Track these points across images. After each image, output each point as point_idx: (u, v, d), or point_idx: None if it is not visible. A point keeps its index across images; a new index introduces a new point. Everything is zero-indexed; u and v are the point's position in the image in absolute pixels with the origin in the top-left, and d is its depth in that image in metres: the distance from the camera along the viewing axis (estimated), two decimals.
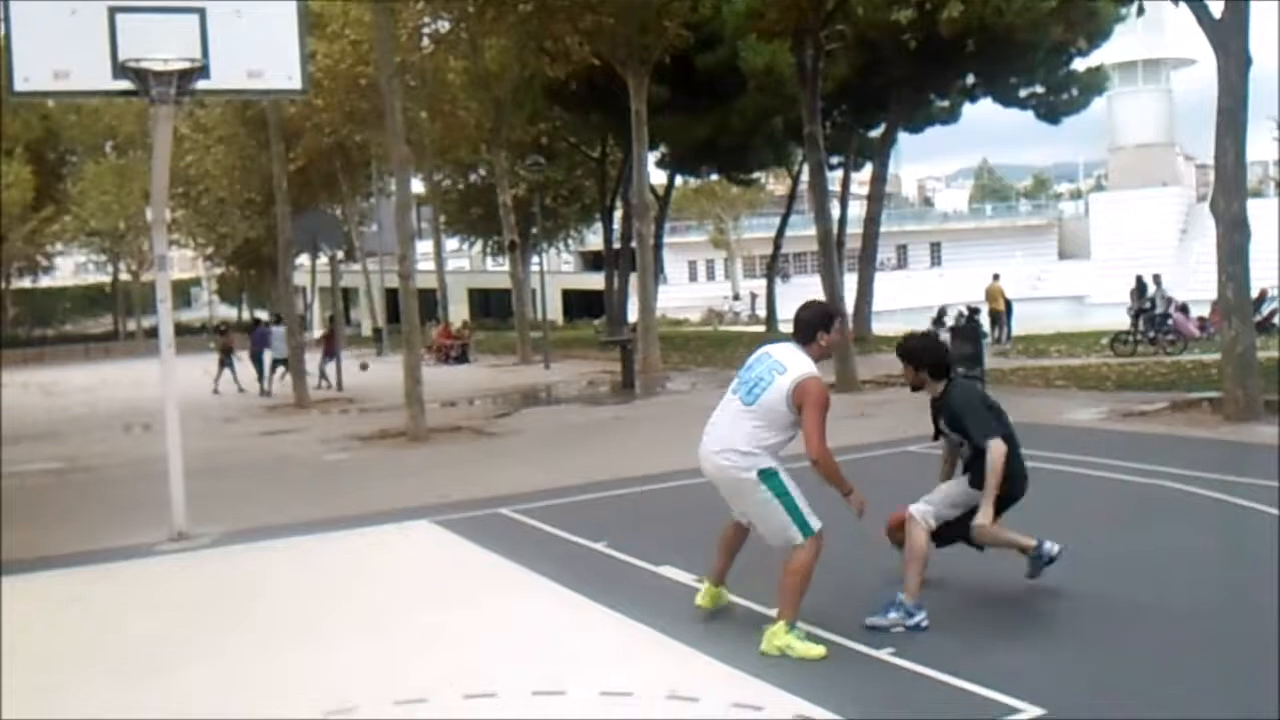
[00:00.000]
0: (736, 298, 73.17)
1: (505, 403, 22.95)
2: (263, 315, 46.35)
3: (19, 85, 8.78)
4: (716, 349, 33.57)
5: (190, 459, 10.77)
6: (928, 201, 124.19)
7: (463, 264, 72.04)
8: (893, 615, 6.47)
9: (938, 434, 7.14)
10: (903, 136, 40.62)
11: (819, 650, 6.10)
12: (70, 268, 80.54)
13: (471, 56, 32.95)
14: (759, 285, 61.20)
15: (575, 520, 9.79)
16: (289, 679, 6.31)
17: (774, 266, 50.09)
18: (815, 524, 6.36)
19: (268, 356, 27.67)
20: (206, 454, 15.63)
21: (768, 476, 6.36)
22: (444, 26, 34.29)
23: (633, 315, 34.77)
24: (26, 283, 73.54)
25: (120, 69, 8.57)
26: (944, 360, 7.03)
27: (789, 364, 6.42)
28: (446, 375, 30.57)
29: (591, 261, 74.85)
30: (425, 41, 34.03)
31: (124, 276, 68.52)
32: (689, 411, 18.86)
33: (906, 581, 6.57)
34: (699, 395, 21.88)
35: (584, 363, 32.77)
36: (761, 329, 46.08)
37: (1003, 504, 6.71)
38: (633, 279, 33.95)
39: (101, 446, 19.04)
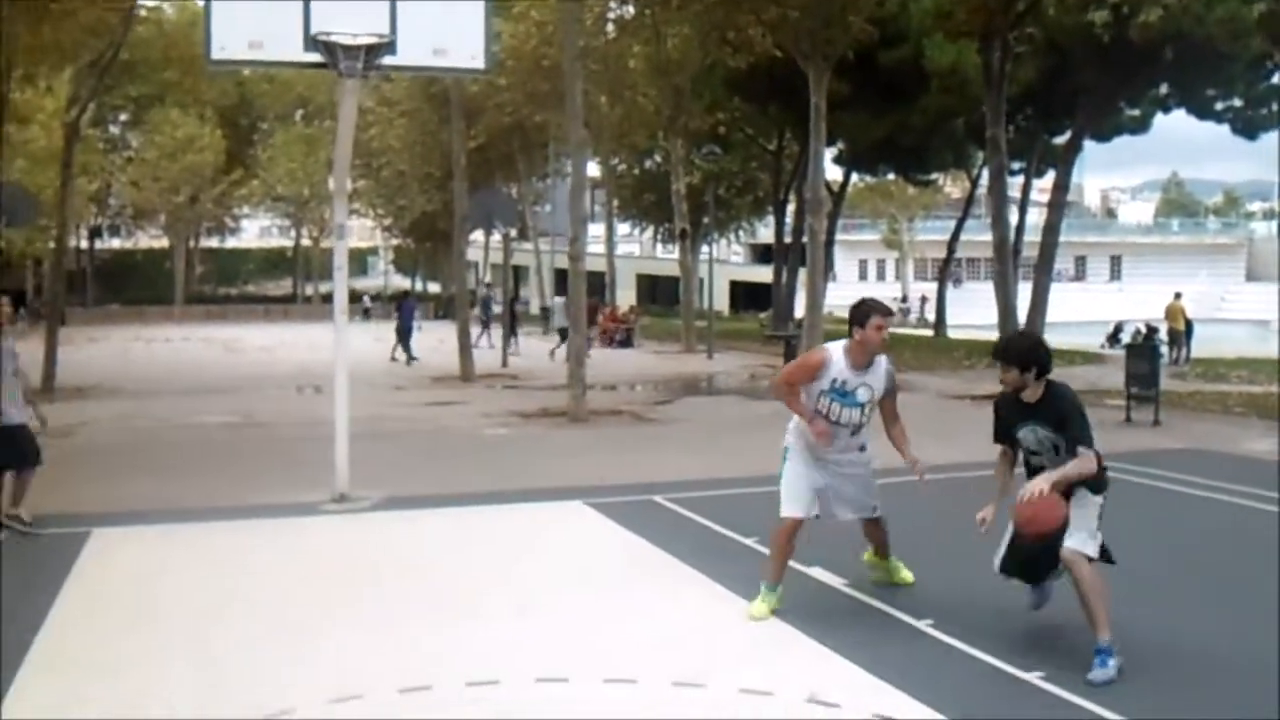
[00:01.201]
0: (905, 299, 72.12)
1: (666, 390, 23.01)
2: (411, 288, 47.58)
3: (215, 54, 9.10)
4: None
5: (356, 424, 11.04)
6: (1111, 213, 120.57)
7: (632, 249, 72.40)
8: (1112, 664, 5.86)
9: (1007, 438, 6.56)
10: (1089, 144, 39.41)
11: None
12: (255, 231, 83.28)
13: (654, 43, 33.07)
14: (929, 288, 60.22)
15: (728, 513, 9.76)
16: (435, 649, 6.42)
17: (946, 270, 49.21)
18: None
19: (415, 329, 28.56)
20: (372, 419, 16.00)
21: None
22: (629, 12, 34.53)
23: (799, 310, 34.52)
24: (214, 243, 76.43)
25: (311, 42, 8.81)
26: (1049, 361, 6.35)
27: None
28: (610, 358, 30.78)
29: (760, 254, 74.48)
30: (609, 26, 34.30)
31: (305, 242, 70.66)
32: None
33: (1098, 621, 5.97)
34: None
35: (747, 355, 32.68)
36: (930, 333, 45.33)
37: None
38: (801, 274, 33.69)
39: (274, 405, 19.69)
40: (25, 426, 9.45)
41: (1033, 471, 6.26)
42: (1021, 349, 6.38)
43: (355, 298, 58.32)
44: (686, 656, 6.21)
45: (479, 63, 9.57)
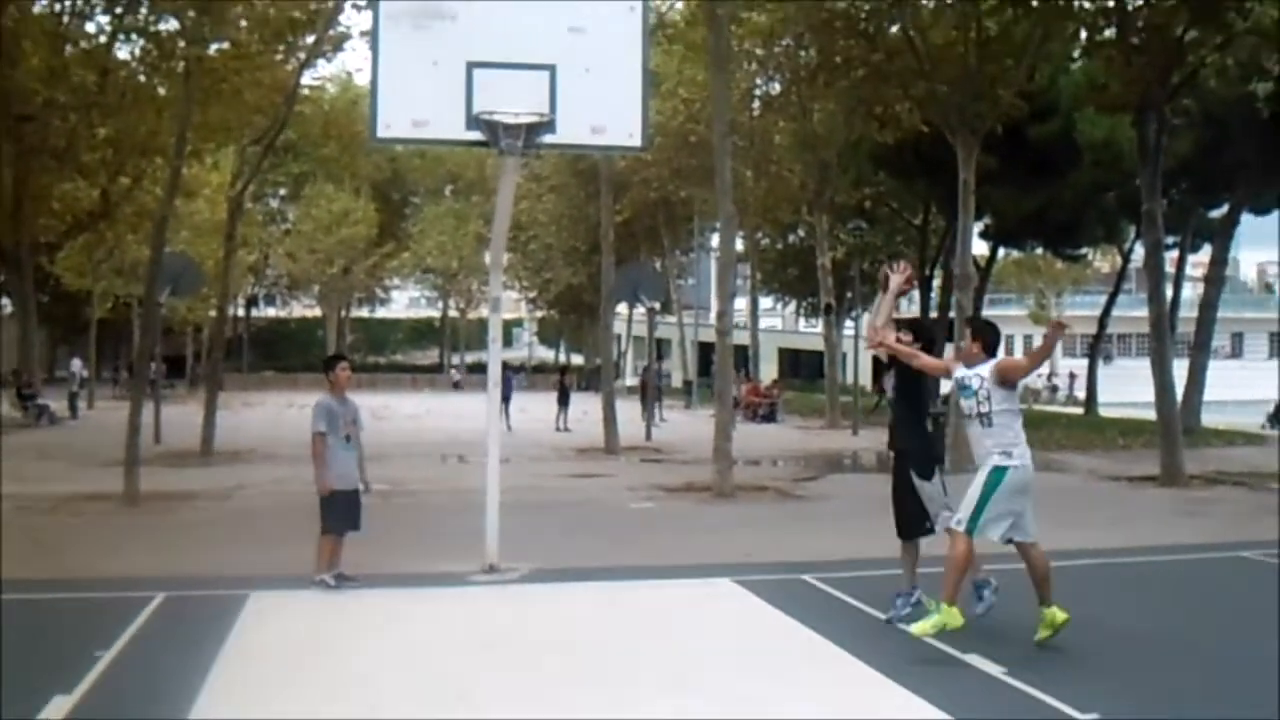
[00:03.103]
0: (1054, 376, 70.55)
1: (811, 466, 22.78)
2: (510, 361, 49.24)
3: (381, 132, 9.36)
4: (1031, 429, 32.15)
5: (503, 494, 11.12)
6: (1268, 288, 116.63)
7: (774, 323, 72.26)
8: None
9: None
10: (1245, 218, 38.34)
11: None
12: (404, 301, 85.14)
13: (800, 119, 33.17)
14: (1078, 365, 58.82)
15: (881, 595, 9.55)
16: None
17: (1097, 347, 48.11)
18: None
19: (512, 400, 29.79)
20: (517, 490, 16.09)
21: None
22: (775, 89, 34.73)
23: (945, 387, 34.02)
24: (364, 312, 78.36)
25: (473, 120, 9.00)
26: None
27: None
28: (753, 433, 30.60)
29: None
30: (755, 103, 34.53)
31: (452, 313, 71.99)
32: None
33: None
34: None
35: None
36: (1080, 411, 44.25)
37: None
38: (948, 350, 33.24)
39: (422, 473, 19.98)
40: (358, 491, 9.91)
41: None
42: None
43: (476, 368, 59.41)
44: None
45: (636, 140, 9.68)
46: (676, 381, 54.77)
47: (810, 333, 59.31)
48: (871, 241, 43.93)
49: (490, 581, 10.24)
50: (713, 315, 57.45)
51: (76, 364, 39.35)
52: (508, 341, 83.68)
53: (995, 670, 7.37)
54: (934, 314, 41.12)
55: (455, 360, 72.20)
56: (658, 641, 8.23)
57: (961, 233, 24.49)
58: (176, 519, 14.65)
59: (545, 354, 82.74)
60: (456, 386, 60.42)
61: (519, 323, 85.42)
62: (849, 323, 42.68)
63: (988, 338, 8.20)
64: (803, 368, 61.90)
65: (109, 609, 8.99)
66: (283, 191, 65.10)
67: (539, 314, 73.95)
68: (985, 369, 7.98)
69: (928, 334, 8.46)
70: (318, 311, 72.75)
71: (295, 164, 58.64)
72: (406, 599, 9.60)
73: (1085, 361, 50.28)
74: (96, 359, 48.55)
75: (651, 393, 31.46)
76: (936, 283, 42.33)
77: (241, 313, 70.95)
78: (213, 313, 40.73)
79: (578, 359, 73.06)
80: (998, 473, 7.77)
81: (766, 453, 25.19)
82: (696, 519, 14.93)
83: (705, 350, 47.32)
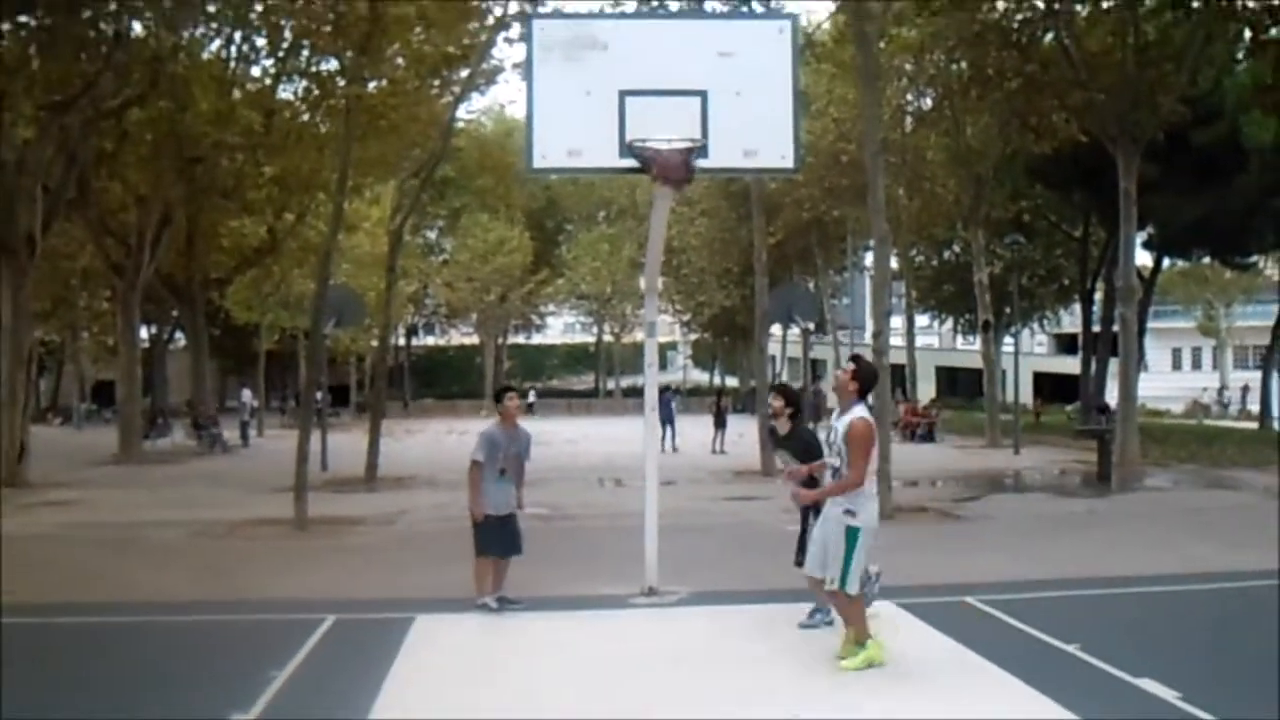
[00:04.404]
0: (1224, 389, 68.20)
1: (972, 486, 22.38)
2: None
3: (537, 162, 9.52)
4: (1202, 445, 31.33)
5: (660, 517, 11.17)
6: None
7: (931, 341, 71.27)
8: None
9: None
10: None
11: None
12: (559, 327, 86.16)
13: (953, 133, 32.72)
14: (1251, 377, 56.76)
15: (1046, 618, 9.36)
16: None
17: (1271, 358, 46.37)
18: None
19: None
20: (674, 513, 16.12)
21: None
22: (926, 104, 34.33)
23: (1112, 400, 33.14)
24: (521, 339, 79.53)
25: (627, 148, 9.10)
26: (800, 406, 10.08)
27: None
28: (912, 453, 30.20)
29: (1065, 344, 72.07)
30: (907, 119, 34.19)
31: (606, 337, 72.63)
32: (1171, 512, 17.76)
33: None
34: (1182, 494, 20.54)
35: (1054, 450, 31.53)
36: (1254, 425, 42.69)
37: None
38: (1112, 364, 32.38)
39: (580, 497, 20.17)
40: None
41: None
42: (791, 391, 10.28)
43: (631, 393, 59.64)
44: None
45: (789, 162, 9.67)
46: (833, 402, 54.35)
47: (968, 350, 58.37)
48: (1029, 255, 43.13)
49: (650, 604, 10.29)
50: (867, 334, 57.07)
51: (246, 394, 40.72)
52: (663, 365, 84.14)
53: (1169, 695, 7.16)
54: (1097, 328, 40.16)
55: (617, 384, 72.64)
56: (820, 663, 8.16)
57: (1123, 244, 23.91)
58: (344, 543, 15.05)
59: (699, 376, 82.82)
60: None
61: (673, 345, 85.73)
62: (1008, 339, 41.89)
63: (864, 379, 8.18)
64: (960, 386, 60.99)
65: (282, 630, 9.28)
66: (440, 223, 66.48)
67: (693, 337, 74.15)
68: (845, 421, 7.95)
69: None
70: (475, 339, 74.06)
71: (454, 197, 59.91)
72: (568, 621, 9.71)
73: (1259, 374, 48.50)
74: (265, 389, 50.17)
75: (808, 413, 31.26)
76: (1098, 295, 41.31)
77: (402, 342, 72.63)
78: (375, 343, 41.82)
79: (732, 381, 73.02)
80: (852, 534, 7.88)
81: (925, 473, 24.81)
82: None
83: None
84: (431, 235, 67.85)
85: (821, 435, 8.86)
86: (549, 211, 71.22)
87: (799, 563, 9.01)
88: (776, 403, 9.77)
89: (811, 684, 7.67)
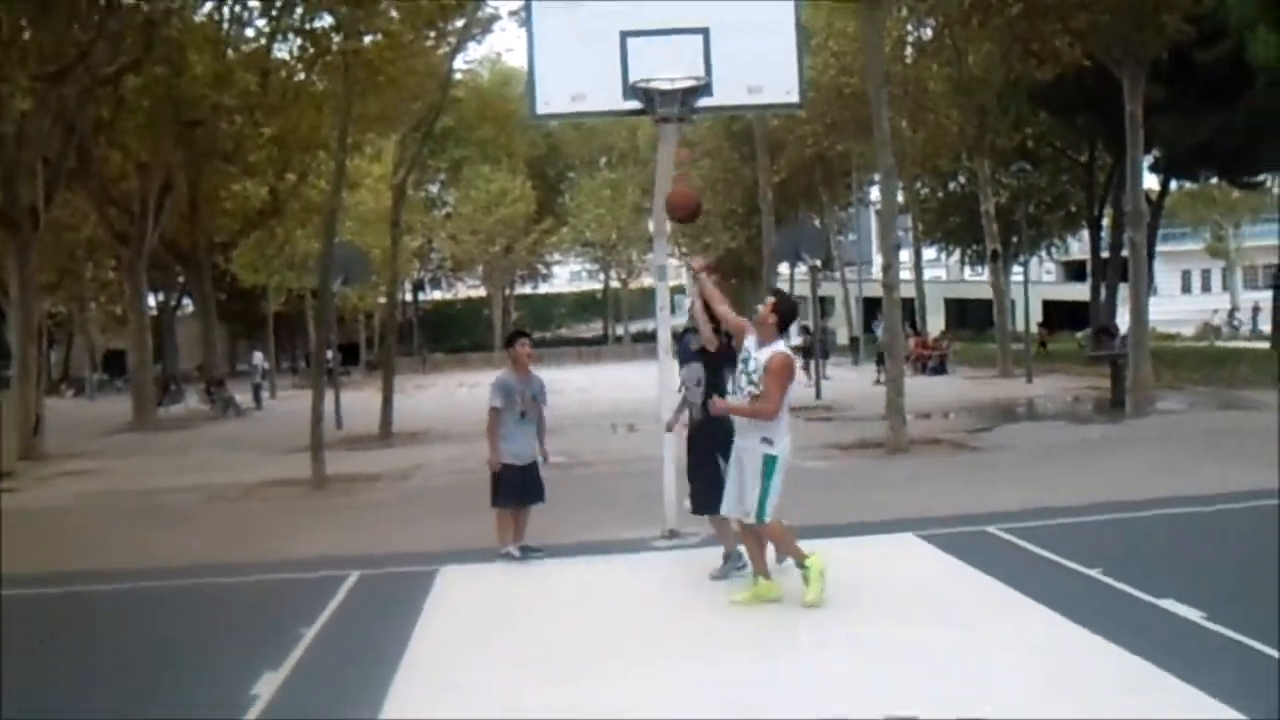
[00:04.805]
0: (1235, 310, 67.94)
1: (985, 417, 22.37)
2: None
3: (540, 109, 9.45)
4: (1214, 367, 31.24)
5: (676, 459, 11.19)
6: None
7: (939, 273, 71.02)
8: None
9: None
10: None
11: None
12: (566, 276, 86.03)
13: (955, 63, 32.45)
14: (1261, 297, 56.53)
15: (1067, 543, 9.38)
16: (773, 679, 6.46)
17: None
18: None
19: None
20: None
21: None
22: (927, 34, 34.03)
23: (1123, 327, 33.07)
24: (528, 289, 79.49)
25: (630, 90, 9.02)
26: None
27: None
28: (924, 386, 30.19)
29: (1074, 271, 71.77)
30: (908, 50, 33.90)
31: (613, 284, 72.53)
32: (1186, 434, 17.74)
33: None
34: (1196, 416, 20.51)
35: (1066, 377, 31.52)
36: (1265, 345, 42.55)
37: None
38: (1122, 290, 32.28)
39: (595, 444, 20.20)
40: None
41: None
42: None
43: (641, 338, 59.57)
44: (1039, 692, 5.98)
45: (794, 97, 9.58)
46: (842, 338, 54.30)
47: (976, 281, 58.14)
48: (1035, 183, 42.81)
49: (672, 546, 10.32)
50: (875, 270, 56.80)
51: (258, 356, 40.76)
52: (672, 309, 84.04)
53: (1194, 615, 7.18)
54: (1105, 254, 40.00)
55: (626, 330, 72.62)
56: (847, 597, 8.17)
57: (1131, 167, 23.81)
58: (362, 500, 15.13)
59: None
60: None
61: (680, 289, 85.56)
62: (1016, 269, 41.73)
63: (784, 313, 8.17)
64: (969, 317, 60.76)
65: (308, 588, 9.34)
66: (442, 176, 66.24)
67: None
68: (765, 353, 7.94)
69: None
70: (482, 291, 74.04)
71: (455, 149, 59.62)
72: (592, 566, 9.76)
73: (1270, 293, 48.30)
74: (275, 350, 50.25)
75: (817, 351, 31.24)
76: (1106, 221, 41.10)
77: (409, 297, 72.55)
78: (382, 299, 41.79)
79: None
80: (769, 462, 7.94)
81: (938, 405, 24.82)
82: (873, 475, 14.82)
83: (870, 306, 46.82)
84: (434, 189, 67.64)
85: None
86: (550, 159, 70.90)
87: (697, 509, 8.99)
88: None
89: (835, 616, 7.70)
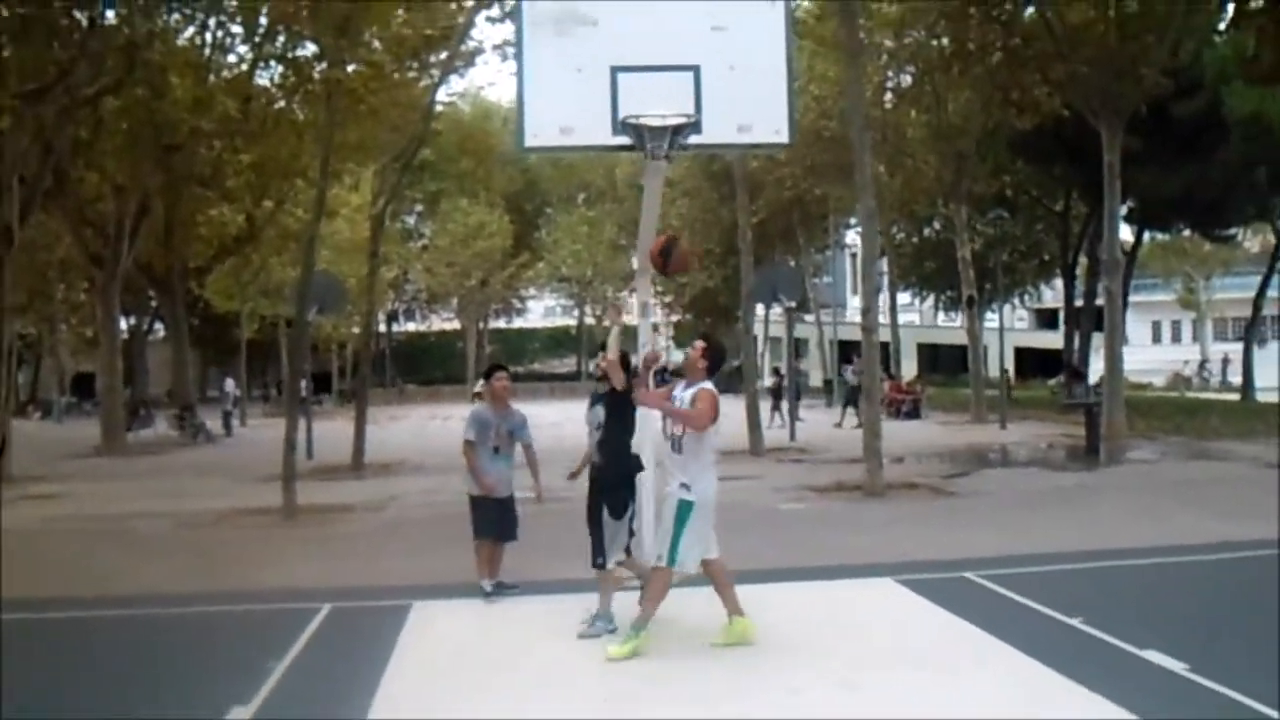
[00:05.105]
0: (1205, 362, 68.40)
1: (960, 462, 22.36)
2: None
3: (529, 141, 9.37)
4: (1186, 416, 31.40)
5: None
6: None
7: (912, 318, 71.31)
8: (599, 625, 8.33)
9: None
10: None
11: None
12: (540, 311, 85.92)
13: (935, 110, 32.65)
14: (1230, 349, 56.92)
15: (1047, 591, 9.33)
16: None
17: (1253, 330, 46.53)
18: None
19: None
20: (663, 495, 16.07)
21: None
22: (907, 81, 34.26)
23: (1092, 376, 33.23)
24: (502, 323, 79.38)
25: (620, 125, 8.98)
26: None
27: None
28: (898, 430, 30.17)
29: (1046, 319, 72.21)
30: (888, 96, 34.11)
31: (588, 320, 72.50)
32: (1161, 483, 17.78)
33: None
34: (1169, 466, 20.56)
35: (1040, 424, 31.59)
36: (1235, 396, 42.85)
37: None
38: (1095, 339, 32.42)
39: (564, 480, 19.99)
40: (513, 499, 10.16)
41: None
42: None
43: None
44: None
45: (783, 137, 9.56)
46: (816, 380, 54.37)
47: (950, 327, 58.36)
48: (1011, 231, 43.15)
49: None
50: (849, 313, 56.95)
51: (229, 384, 40.44)
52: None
53: (1177, 666, 7.13)
54: (1079, 302, 40.23)
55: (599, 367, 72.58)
56: (828, 641, 8.11)
57: (1108, 217, 23.90)
58: (335, 531, 14.94)
59: (681, 358, 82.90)
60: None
61: (655, 327, 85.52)
62: (990, 315, 41.92)
63: (714, 357, 8.33)
64: (941, 362, 61.01)
65: (278, 620, 9.18)
66: (419, 208, 66.17)
67: (675, 318, 74.06)
68: (691, 392, 8.10)
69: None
70: (457, 324, 73.86)
71: (432, 181, 59.58)
72: (565, 604, 9.62)
73: (1239, 345, 48.68)
74: (247, 378, 49.91)
75: (790, 393, 31.25)
76: (1080, 269, 41.38)
77: (383, 328, 72.31)
78: (356, 329, 41.62)
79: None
80: (684, 507, 7.95)
81: (913, 449, 24.77)
82: (849, 518, 14.75)
83: (843, 348, 46.88)
84: (410, 220, 67.55)
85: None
86: (528, 194, 70.96)
87: (598, 564, 8.70)
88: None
89: (810, 662, 7.62)
